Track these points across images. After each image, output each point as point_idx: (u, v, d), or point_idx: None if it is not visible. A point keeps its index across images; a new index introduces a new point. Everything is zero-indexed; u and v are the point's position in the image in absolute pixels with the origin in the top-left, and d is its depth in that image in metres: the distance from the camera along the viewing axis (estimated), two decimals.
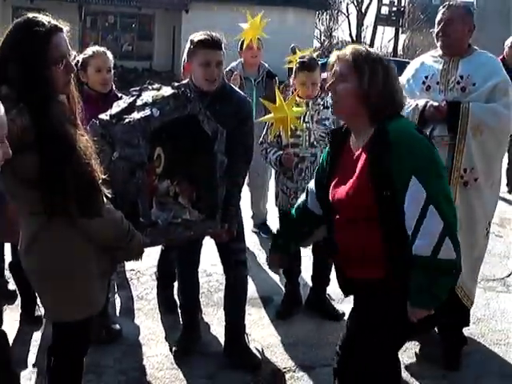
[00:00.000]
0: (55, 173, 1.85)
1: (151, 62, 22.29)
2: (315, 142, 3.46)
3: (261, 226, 5.23)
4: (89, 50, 3.26)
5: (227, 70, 4.67)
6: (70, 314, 2.07)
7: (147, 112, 2.34)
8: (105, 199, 1.98)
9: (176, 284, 3.76)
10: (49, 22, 1.93)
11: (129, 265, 4.09)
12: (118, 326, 3.35)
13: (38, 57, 1.88)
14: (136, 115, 2.33)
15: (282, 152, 3.45)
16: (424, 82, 3.12)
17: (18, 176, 1.87)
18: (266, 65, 4.87)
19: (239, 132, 2.82)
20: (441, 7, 3.13)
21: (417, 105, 3.04)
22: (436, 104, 2.96)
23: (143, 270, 4.19)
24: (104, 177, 1.99)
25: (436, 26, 3.09)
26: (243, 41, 4.59)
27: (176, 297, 3.64)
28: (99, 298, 2.17)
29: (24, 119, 1.80)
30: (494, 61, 3.11)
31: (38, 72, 1.88)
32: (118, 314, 3.62)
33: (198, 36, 2.79)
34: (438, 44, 3.11)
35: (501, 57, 7.00)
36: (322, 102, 3.51)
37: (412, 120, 3.06)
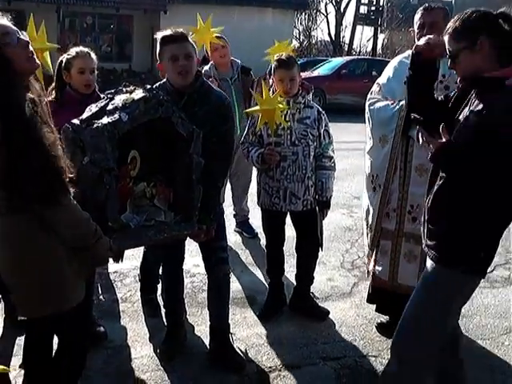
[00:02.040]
0: (21, 168, 1.85)
1: (130, 63, 22.17)
2: (296, 141, 3.46)
3: (243, 226, 5.24)
4: (72, 51, 3.22)
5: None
6: (41, 309, 2.08)
7: (116, 117, 2.35)
8: (71, 197, 1.99)
9: (159, 286, 3.77)
10: None
11: (112, 267, 4.07)
12: (102, 329, 3.33)
13: None
14: (104, 120, 2.33)
15: (263, 150, 3.46)
16: (405, 82, 3.15)
17: None
18: (238, 61, 4.81)
19: (219, 132, 2.81)
20: (420, 9, 3.13)
21: (402, 105, 3.07)
22: None
23: (126, 272, 4.17)
24: (71, 175, 2.00)
25: (418, 29, 3.08)
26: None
27: (159, 298, 3.64)
28: (72, 294, 2.17)
29: None
30: None
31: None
32: (102, 316, 3.60)
33: (161, 33, 2.81)
34: None
35: None
36: (302, 101, 3.51)
37: (397, 120, 3.10)
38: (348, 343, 3.36)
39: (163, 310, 3.49)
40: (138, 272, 3.94)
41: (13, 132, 1.83)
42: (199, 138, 2.64)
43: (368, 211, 3.36)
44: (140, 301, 3.79)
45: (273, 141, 3.45)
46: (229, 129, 2.92)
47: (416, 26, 3.10)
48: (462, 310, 3.69)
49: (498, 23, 2.13)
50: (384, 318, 3.50)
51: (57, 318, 2.14)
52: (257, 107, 3.46)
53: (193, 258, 4.10)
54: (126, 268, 4.15)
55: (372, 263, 3.41)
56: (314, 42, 32.54)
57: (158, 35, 2.81)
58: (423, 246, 2.34)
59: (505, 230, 2.22)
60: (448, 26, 2.22)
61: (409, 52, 3.24)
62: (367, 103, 3.35)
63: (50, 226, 1.99)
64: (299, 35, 32.12)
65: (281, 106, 3.36)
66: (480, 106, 2.10)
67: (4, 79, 1.86)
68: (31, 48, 2.03)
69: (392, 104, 3.17)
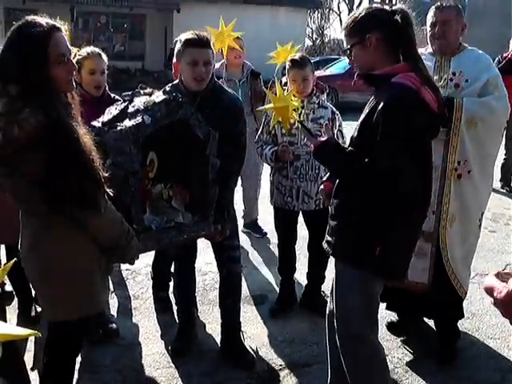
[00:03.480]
0: (62, 170, 1.87)
1: (143, 62, 22.25)
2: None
3: (252, 226, 5.24)
4: (83, 51, 3.23)
5: None
6: (70, 313, 2.09)
7: (139, 119, 2.35)
8: (106, 197, 2.00)
9: (171, 283, 3.79)
10: (47, 23, 1.96)
11: (124, 264, 4.10)
12: (114, 326, 3.37)
13: (39, 56, 1.91)
14: (128, 123, 2.33)
15: (277, 148, 3.48)
16: None
17: (20, 176, 1.88)
18: (249, 64, 4.84)
19: (231, 133, 2.82)
20: (432, 8, 3.14)
21: None
22: None
23: (139, 270, 4.21)
24: (106, 175, 2.01)
25: (430, 27, 3.09)
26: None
27: (171, 296, 3.66)
28: (100, 297, 2.19)
29: (37, 118, 1.82)
30: (484, 57, 3.15)
31: (40, 71, 1.91)
32: (114, 313, 3.63)
33: (185, 35, 2.81)
34: (434, 45, 3.12)
35: (506, 53, 6.95)
36: (317, 101, 3.53)
37: None
38: None
39: (175, 308, 3.52)
40: (150, 269, 3.98)
41: (52, 134, 1.85)
42: (215, 140, 2.66)
43: None
44: (152, 298, 3.82)
45: (287, 140, 3.47)
46: (241, 130, 2.95)
47: (428, 24, 3.11)
48: (473, 310, 3.71)
49: (391, 19, 2.17)
50: (394, 317, 3.50)
51: (83, 322, 2.16)
52: (270, 105, 3.46)
53: (204, 257, 4.11)
54: (138, 265, 4.18)
55: None
56: (326, 40, 32.46)
57: (182, 36, 2.82)
58: (323, 242, 2.39)
59: (404, 228, 2.22)
60: (344, 22, 2.29)
61: (422, 50, 3.24)
62: None
63: (86, 227, 2.00)
64: (312, 34, 32.08)
65: (295, 103, 3.37)
66: (371, 104, 2.20)
67: (46, 89, 1.90)
68: (75, 73, 2.07)
69: None
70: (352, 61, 2.31)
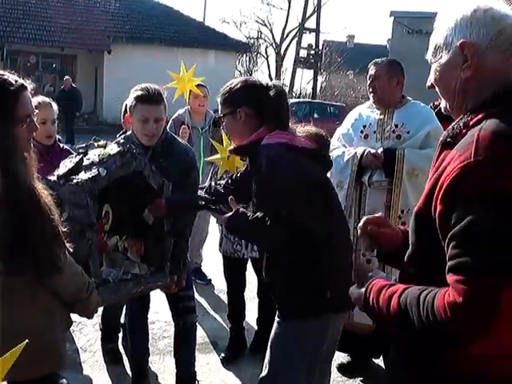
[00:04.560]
0: (22, 231, 1.85)
1: None
2: None
3: (196, 274, 5.18)
4: (34, 101, 3.23)
5: (174, 117, 4.70)
6: (33, 371, 2.06)
7: (94, 172, 2.36)
8: (66, 252, 2.01)
9: (120, 334, 3.76)
10: (16, 81, 1.95)
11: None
12: (64, 381, 3.28)
13: (7, 115, 1.89)
14: (83, 175, 2.34)
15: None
16: (362, 131, 3.37)
17: None
18: (212, 112, 4.88)
19: (184, 183, 2.87)
20: (370, 64, 3.40)
21: (355, 153, 3.27)
22: (373, 151, 3.20)
23: (85, 321, 4.11)
24: (64, 229, 2.02)
25: (368, 79, 3.35)
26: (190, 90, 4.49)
27: (121, 347, 3.63)
28: (64, 352, 2.16)
29: None
30: (426, 110, 3.39)
31: (6, 130, 1.90)
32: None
33: (137, 90, 2.81)
34: (370, 98, 3.37)
35: (437, 102, 7.24)
36: None
37: (351, 166, 3.30)
38: None
39: (125, 359, 3.48)
40: (98, 321, 3.92)
41: (11, 194, 1.83)
42: (169, 190, 2.71)
43: None
44: (100, 351, 3.76)
45: None
46: (194, 180, 2.99)
47: (367, 78, 3.36)
48: None
49: (264, 95, 2.28)
50: (345, 359, 3.62)
51: (50, 380, 2.12)
52: (217, 155, 3.53)
53: (152, 305, 4.11)
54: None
55: None
56: None
57: (133, 91, 2.82)
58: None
59: (342, 263, 2.26)
60: (221, 90, 2.40)
61: (369, 102, 3.48)
62: None
63: (46, 284, 1.97)
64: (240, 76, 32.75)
65: None
66: (256, 173, 2.30)
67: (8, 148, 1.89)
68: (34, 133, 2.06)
69: (347, 151, 3.36)
70: (224, 129, 2.43)
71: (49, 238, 1.89)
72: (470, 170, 1.23)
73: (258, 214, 2.22)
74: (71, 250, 2.02)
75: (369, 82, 3.34)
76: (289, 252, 2.22)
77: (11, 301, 1.95)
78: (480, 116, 1.33)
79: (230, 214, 2.27)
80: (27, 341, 1.42)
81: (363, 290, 1.47)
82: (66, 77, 17.10)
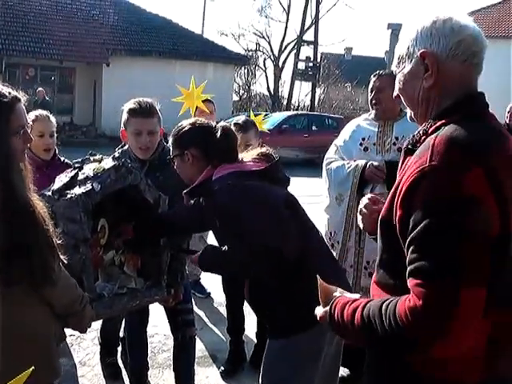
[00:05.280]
0: (19, 241, 1.86)
1: (72, 116, 22.03)
2: None
3: (195, 287, 5.15)
4: (32, 114, 3.24)
5: None
6: (32, 381, 2.05)
7: (88, 187, 2.36)
8: (60, 264, 2.01)
9: (119, 348, 3.74)
10: (9, 93, 1.98)
11: (69, 330, 3.99)
12: None
13: (2, 126, 1.91)
14: (77, 190, 2.34)
15: None
16: (361, 144, 3.36)
17: None
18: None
19: (181, 196, 2.88)
20: (372, 76, 3.40)
21: (357, 165, 3.27)
22: (376, 163, 3.20)
23: (84, 335, 4.10)
24: (59, 242, 2.02)
25: (369, 93, 3.35)
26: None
27: (120, 361, 3.61)
28: (59, 364, 2.15)
29: None
30: None
31: (2, 141, 1.91)
32: (60, 382, 3.51)
33: (130, 104, 2.83)
34: (373, 111, 3.37)
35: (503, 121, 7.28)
36: None
37: (353, 178, 3.30)
38: None
39: (124, 373, 3.46)
40: (97, 335, 3.90)
41: (9, 205, 1.85)
42: (165, 203, 2.70)
43: None
44: (99, 365, 3.73)
45: None
46: None
47: (369, 90, 3.36)
48: None
49: (210, 137, 2.33)
50: (344, 372, 3.60)
51: None
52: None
53: (151, 319, 4.09)
54: None
55: None
56: (253, 95, 33.39)
57: (126, 105, 2.84)
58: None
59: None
60: (172, 131, 2.45)
61: (365, 115, 3.49)
62: (324, 163, 3.54)
63: (40, 295, 1.97)
64: (239, 89, 32.92)
65: None
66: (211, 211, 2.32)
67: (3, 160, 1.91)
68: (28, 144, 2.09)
69: (348, 164, 3.36)
70: (176, 169, 2.46)
71: (43, 248, 1.91)
72: (425, 174, 1.26)
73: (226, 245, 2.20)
74: (65, 262, 2.03)
75: (372, 94, 3.33)
76: (269, 274, 2.19)
77: (9, 310, 1.96)
78: (439, 123, 1.38)
79: (200, 252, 2.28)
80: (33, 368, 1.42)
81: (328, 307, 1.49)
82: (40, 88, 17.52)
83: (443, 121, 1.37)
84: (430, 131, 1.39)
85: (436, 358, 1.28)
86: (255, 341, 3.86)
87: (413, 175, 1.28)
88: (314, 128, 17.97)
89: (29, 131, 2.08)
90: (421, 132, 1.43)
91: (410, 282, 1.26)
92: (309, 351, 2.23)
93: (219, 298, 4.77)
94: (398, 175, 1.45)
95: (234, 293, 3.82)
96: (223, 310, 4.51)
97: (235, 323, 3.83)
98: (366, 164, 3.22)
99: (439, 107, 1.42)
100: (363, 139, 3.35)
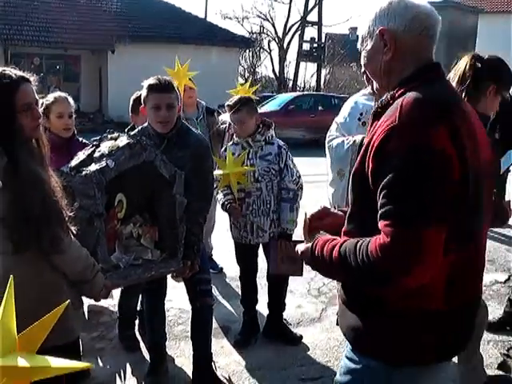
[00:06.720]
0: (27, 211, 1.98)
1: (79, 104, 22.07)
2: (260, 177, 3.64)
3: None
4: (50, 96, 3.37)
5: None
6: (48, 340, 2.17)
7: (103, 164, 2.48)
8: (71, 235, 2.13)
9: (137, 321, 3.87)
10: (15, 74, 2.10)
11: (88, 306, 4.13)
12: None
13: (5, 105, 2.04)
14: (92, 167, 2.46)
15: (230, 197, 3.69)
16: (359, 119, 3.45)
17: None
18: (203, 102, 5.05)
19: (199, 171, 2.96)
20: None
21: (354, 140, 3.36)
22: None
23: (102, 310, 4.24)
24: (71, 214, 2.14)
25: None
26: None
27: (138, 334, 3.74)
28: (74, 325, 2.26)
29: (2, 160, 1.95)
30: None
31: (8, 119, 2.04)
32: (81, 355, 3.65)
33: (149, 80, 2.96)
34: (370, 86, 3.44)
35: None
36: (262, 138, 3.67)
37: (352, 154, 3.38)
38: (323, 364, 3.55)
39: (142, 345, 3.59)
40: (114, 309, 4.03)
41: (15, 177, 1.96)
42: (181, 179, 2.81)
43: None
44: (117, 338, 3.87)
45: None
46: (208, 168, 3.10)
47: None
48: None
49: None
50: None
51: (58, 351, 2.22)
52: (220, 171, 3.67)
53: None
54: (101, 306, 4.22)
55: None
56: (258, 77, 33.30)
57: (145, 82, 2.97)
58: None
59: None
60: None
61: (363, 91, 3.56)
62: (326, 140, 3.64)
63: (51, 263, 2.10)
64: (244, 72, 32.84)
65: (245, 168, 3.59)
66: None
67: (10, 136, 2.03)
68: (40, 120, 2.19)
69: (347, 140, 3.45)
70: None
71: (51, 219, 2.03)
72: (394, 130, 1.43)
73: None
74: (75, 233, 2.14)
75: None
76: None
77: (21, 272, 2.08)
78: (403, 89, 1.56)
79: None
80: (69, 300, 1.52)
81: (310, 244, 1.67)
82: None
83: (406, 87, 1.55)
84: (396, 96, 1.56)
85: (402, 290, 1.46)
86: (267, 312, 3.97)
87: (384, 132, 1.45)
88: (320, 108, 17.95)
89: (38, 109, 2.19)
90: (388, 97, 1.59)
91: (381, 224, 1.43)
92: None
93: (232, 273, 4.89)
94: (366, 138, 1.60)
95: (247, 265, 3.92)
96: (235, 285, 4.64)
97: (249, 294, 3.93)
98: (363, 139, 3.30)
99: (401, 76, 1.60)
100: (361, 114, 3.45)
